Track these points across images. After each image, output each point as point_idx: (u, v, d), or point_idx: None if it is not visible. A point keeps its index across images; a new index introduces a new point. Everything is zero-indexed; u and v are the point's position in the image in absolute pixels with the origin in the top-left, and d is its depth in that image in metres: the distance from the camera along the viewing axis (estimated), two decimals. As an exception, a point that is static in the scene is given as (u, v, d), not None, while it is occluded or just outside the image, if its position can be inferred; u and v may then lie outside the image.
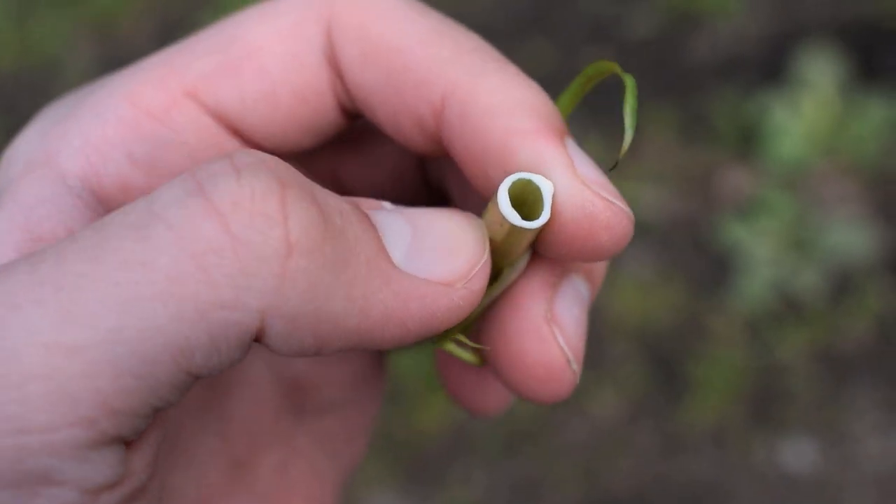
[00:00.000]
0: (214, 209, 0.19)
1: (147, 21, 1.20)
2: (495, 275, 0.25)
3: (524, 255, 0.25)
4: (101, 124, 0.24)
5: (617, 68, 0.24)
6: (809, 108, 1.04)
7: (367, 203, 0.23)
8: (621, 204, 0.24)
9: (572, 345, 0.25)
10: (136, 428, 0.20)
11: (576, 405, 0.98)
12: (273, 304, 0.20)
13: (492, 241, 0.24)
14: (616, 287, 1.01)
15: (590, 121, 1.05)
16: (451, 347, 0.26)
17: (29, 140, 0.25)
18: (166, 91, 0.25)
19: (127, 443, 0.20)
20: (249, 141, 0.26)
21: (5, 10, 1.20)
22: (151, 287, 0.19)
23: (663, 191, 1.05)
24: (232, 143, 0.25)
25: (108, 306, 0.19)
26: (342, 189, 0.29)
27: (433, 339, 0.25)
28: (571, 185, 0.23)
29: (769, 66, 1.09)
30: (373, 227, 0.22)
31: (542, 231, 0.24)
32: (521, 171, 0.23)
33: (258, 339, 0.20)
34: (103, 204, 0.24)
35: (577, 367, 0.25)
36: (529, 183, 0.23)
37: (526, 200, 0.23)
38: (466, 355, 0.26)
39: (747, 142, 1.06)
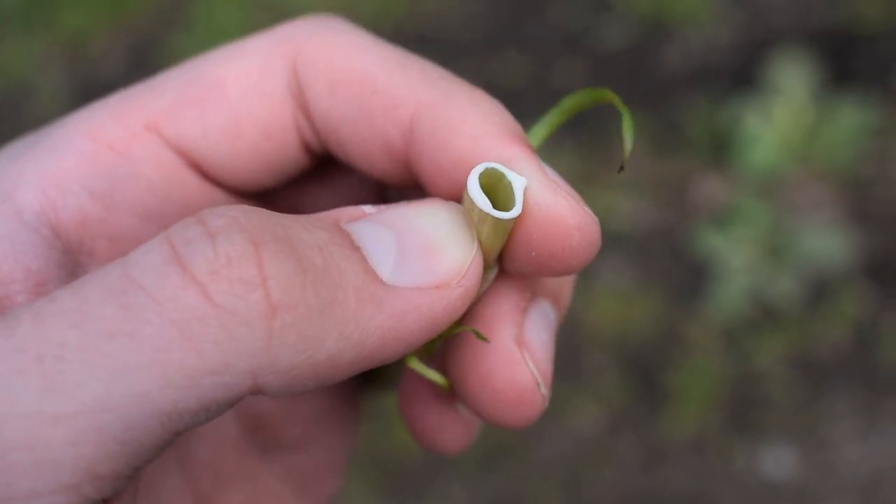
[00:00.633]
0: (193, 279, 0.19)
1: (118, 42, 1.20)
2: None
3: (493, 266, 0.25)
4: (60, 158, 0.24)
5: (613, 97, 0.24)
6: (782, 115, 1.04)
7: (348, 213, 0.23)
8: (588, 210, 0.23)
9: (541, 368, 0.25)
10: (117, 489, 0.20)
11: (555, 418, 0.98)
12: (264, 364, 0.20)
13: None
14: (593, 298, 1.01)
15: (565, 131, 1.05)
16: (419, 366, 0.26)
17: None
18: (127, 125, 0.25)
19: (105, 500, 0.20)
20: (211, 176, 0.26)
21: (-23, 33, 1.20)
22: (138, 356, 0.19)
23: (638, 200, 1.05)
24: (192, 178, 0.25)
25: (96, 376, 0.19)
26: None
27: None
28: (543, 183, 0.23)
29: (741, 74, 1.09)
30: (356, 249, 0.22)
31: (511, 238, 0.23)
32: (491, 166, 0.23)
33: (253, 392, 0.20)
34: (62, 238, 0.24)
35: (545, 390, 0.25)
36: (500, 182, 0.23)
37: (496, 201, 0.23)
38: (433, 375, 0.26)
39: (721, 150, 1.06)
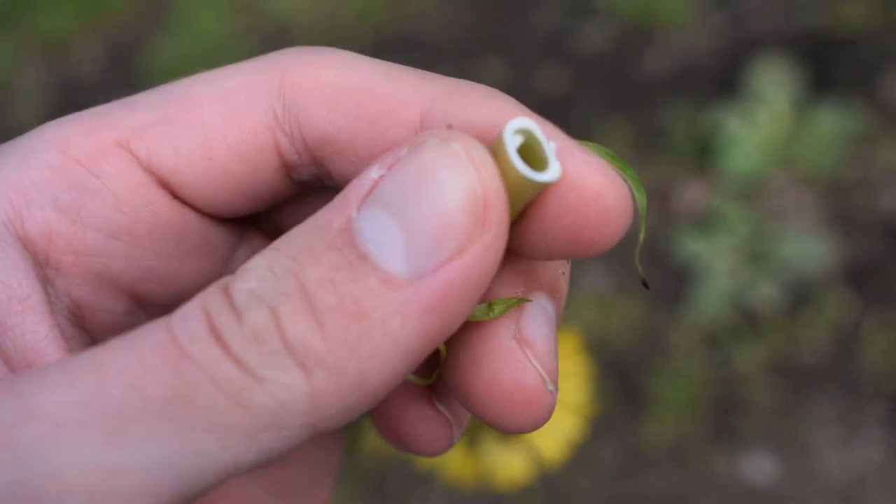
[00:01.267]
0: (231, 355, 0.20)
1: (96, 43, 1.19)
2: None
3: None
4: (28, 169, 0.24)
5: (633, 180, 0.23)
6: (763, 120, 1.04)
7: (357, 194, 0.21)
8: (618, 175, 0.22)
9: (546, 365, 0.24)
10: None
11: (535, 423, 0.98)
12: (316, 418, 0.20)
13: None
14: (574, 302, 1.01)
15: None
16: None
17: None
18: (97, 140, 0.24)
19: None
20: (181, 197, 0.25)
21: (-47, 34, 1.19)
22: (196, 421, 0.19)
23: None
24: (162, 197, 0.25)
25: (158, 438, 0.19)
26: None
27: None
28: (573, 146, 0.21)
29: (722, 79, 1.09)
30: (363, 258, 0.20)
31: (535, 211, 0.21)
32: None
33: (315, 437, 0.21)
34: (29, 250, 0.24)
35: (552, 387, 0.24)
36: (504, 154, 0.20)
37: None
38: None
39: (702, 154, 1.06)
